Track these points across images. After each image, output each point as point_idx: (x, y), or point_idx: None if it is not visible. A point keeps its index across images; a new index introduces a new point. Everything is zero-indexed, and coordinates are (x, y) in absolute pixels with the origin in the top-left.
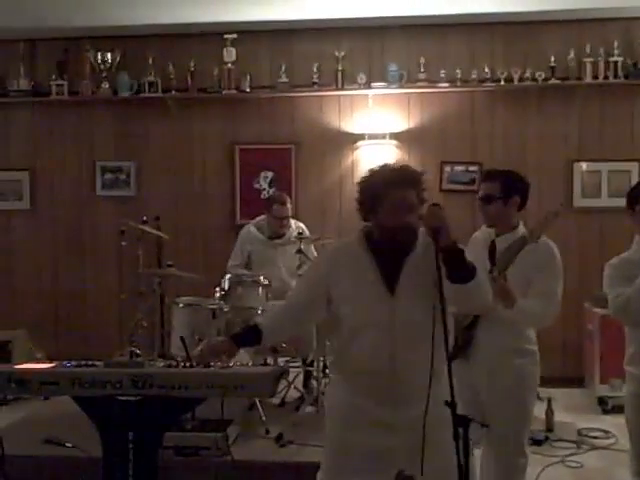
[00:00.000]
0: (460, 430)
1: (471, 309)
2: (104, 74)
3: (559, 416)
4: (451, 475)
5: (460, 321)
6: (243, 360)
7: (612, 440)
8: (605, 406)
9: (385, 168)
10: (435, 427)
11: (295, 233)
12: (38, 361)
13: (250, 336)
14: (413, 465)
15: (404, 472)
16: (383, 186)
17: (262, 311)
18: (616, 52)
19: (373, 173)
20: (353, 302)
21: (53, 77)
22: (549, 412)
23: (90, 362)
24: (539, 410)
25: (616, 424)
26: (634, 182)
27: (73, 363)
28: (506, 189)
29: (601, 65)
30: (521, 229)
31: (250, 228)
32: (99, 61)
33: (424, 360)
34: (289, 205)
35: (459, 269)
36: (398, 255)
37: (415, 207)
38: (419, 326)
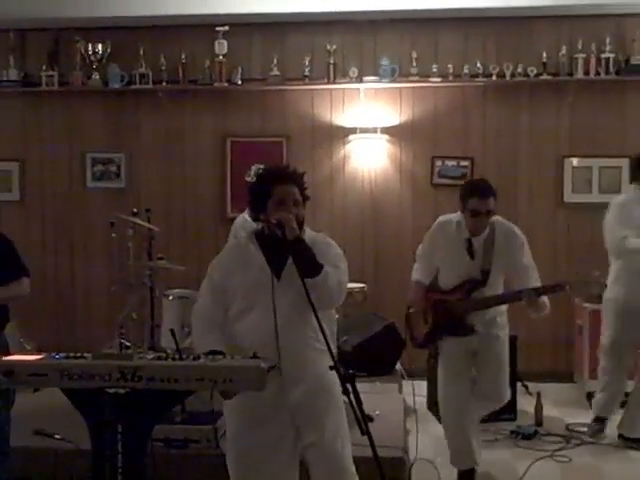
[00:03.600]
0: (348, 386)
1: (321, 303)
2: (95, 65)
3: (548, 411)
4: (342, 431)
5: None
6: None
7: (601, 435)
8: None
9: (270, 169)
10: (323, 399)
11: None
12: (27, 353)
13: None
14: (309, 444)
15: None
16: (269, 184)
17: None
18: (608, 48)
19: (259, 175)
20: (242, 288)
21: (43, 68)
22: (538, 407)
23: (79, 354)
24: (528, 405)
25: None
26: (625, 178)
27: (62, 355)
28: (495, 201)
29: (593, 61)
30: None
31: (245, 217)
32: (90, 52)
33: (305, 340)
34: None
35: (306, 263)
36: (286, 246)
37: (298, 201)
38: (301, 308)
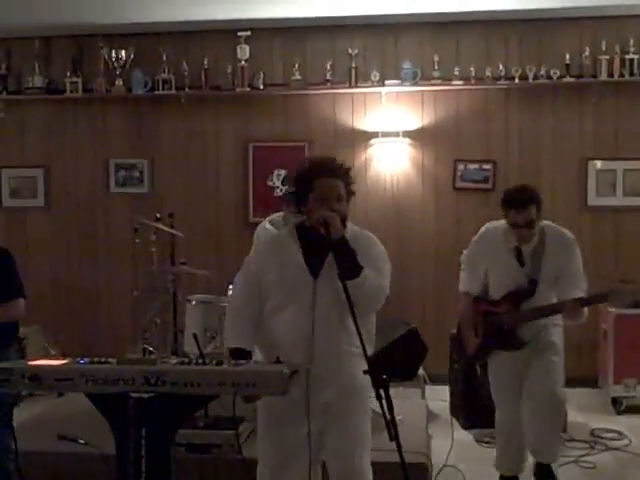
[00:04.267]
0: (381, 391)
1: (358, 307)
2: (118, 71)
3: (572, 416)
4: (364, 437)
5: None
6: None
7: (626, 441)
8: (619, 407)
9: (315, 160)
10: (350, 403)
11: None
12: (52, 358)
13: (244, 357)
14: (329, 446)
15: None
16: (314, 176)
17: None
18: (632, 49)
19: (305, 165)
20: (279, 283)
21: (68, 74)
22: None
23: (103, 359)
24: None
25: (630, 425)
26: None
27: (86, 360)
28: (539, 207)
29: (616, 62)
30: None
31: (265, 225)
32: (113, 58)
33: (339, 341)
34: None
35: (347, 264)
36: (325, 242)
37: (342, 197)
38: (338, 309)
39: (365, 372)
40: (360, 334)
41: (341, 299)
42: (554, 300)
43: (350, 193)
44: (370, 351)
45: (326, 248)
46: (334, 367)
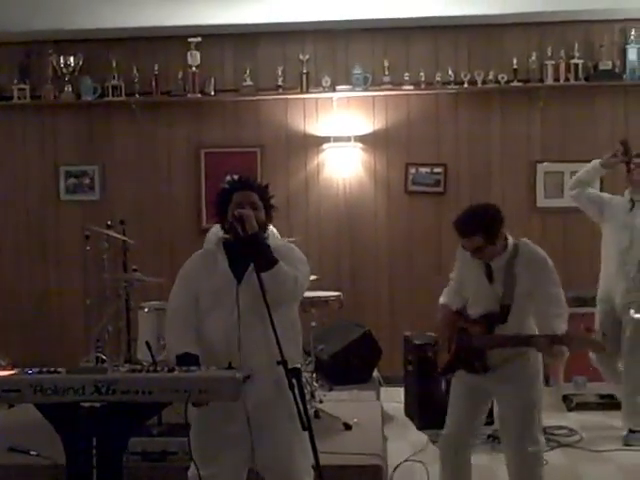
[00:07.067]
0: (294, 381)
1: (274, 297)
2: (67, 78)
3: None
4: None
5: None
6: None
7: (576, 437)
8: (570, 404)
9: (231, 178)
10: (276, 407)
11: None
12: (2, 368)
13: (192, 362)
14: (261, 445)
15: None
16: (230, 191)
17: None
18: (577, 54)
19: (222, 187)
20: (208, 291)
21: (15, 81)
22: None
23: (52, 369)
24: None
25: (581, 421)
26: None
27: (35, 370)
28: (489, 235)
29: (562, 67)
30: (510, 243)
31: (216, 229)
32: (62, 65)
33: (264, 342)
34: None
35: (262, 257)
36: (245, 243)
37: (257, 205)
38: (260, 309)
39: (278, 363)
40: (275, 329)
41: (262, 299)
42: (531, 326)
43: (269, 206)
44: (298, 346)
45: (247, 252)
46: (259, 365)
